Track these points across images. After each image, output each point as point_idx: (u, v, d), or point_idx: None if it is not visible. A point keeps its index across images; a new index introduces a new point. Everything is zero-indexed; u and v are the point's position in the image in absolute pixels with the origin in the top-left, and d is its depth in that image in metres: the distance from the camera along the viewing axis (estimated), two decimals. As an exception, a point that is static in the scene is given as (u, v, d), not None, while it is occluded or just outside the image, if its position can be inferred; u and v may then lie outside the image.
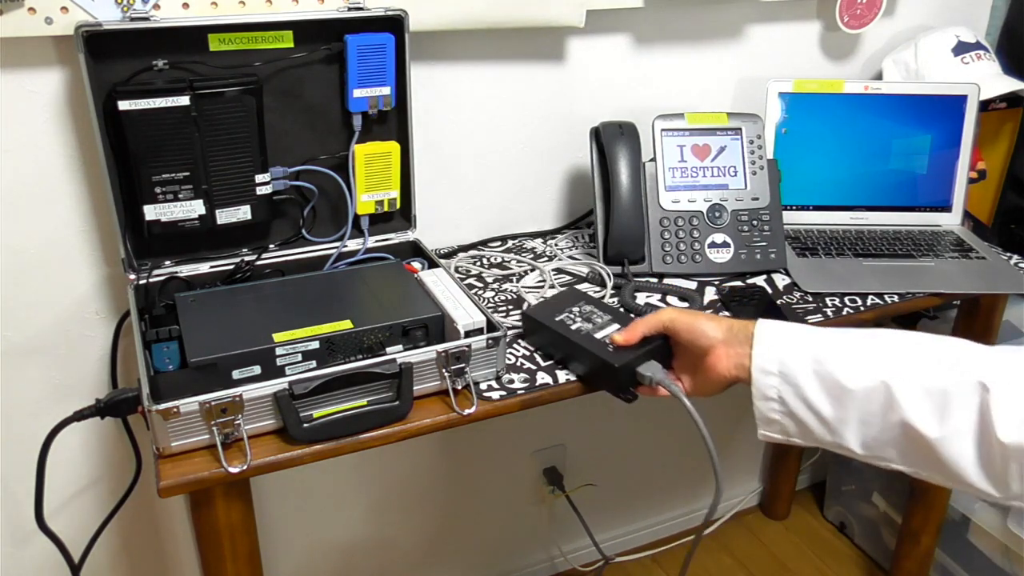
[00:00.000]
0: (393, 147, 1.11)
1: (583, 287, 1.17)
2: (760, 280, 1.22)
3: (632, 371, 0.91)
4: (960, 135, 1.38)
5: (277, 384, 0.83)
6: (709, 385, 0.88)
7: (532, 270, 1.22)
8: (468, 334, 0.93)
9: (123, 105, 0.94)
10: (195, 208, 1.02)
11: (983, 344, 0.75)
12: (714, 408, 1.80)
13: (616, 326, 0.96)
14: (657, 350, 0.92)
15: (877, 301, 1.16)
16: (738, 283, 1.21)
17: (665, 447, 1.78)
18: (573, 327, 0.97)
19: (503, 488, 1.63)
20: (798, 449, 1.88)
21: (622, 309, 1.11)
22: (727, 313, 1.12)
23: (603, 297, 1.14)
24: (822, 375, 0.77)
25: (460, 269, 1.22)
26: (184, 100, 0.96)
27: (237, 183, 1.03)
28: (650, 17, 1.32)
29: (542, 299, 1.13)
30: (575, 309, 1.00)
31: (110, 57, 0.94)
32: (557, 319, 0.99)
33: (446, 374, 0.91)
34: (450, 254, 1.27)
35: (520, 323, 1.05)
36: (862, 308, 1.15)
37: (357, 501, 1.48)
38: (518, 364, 0.99)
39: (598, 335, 0.95)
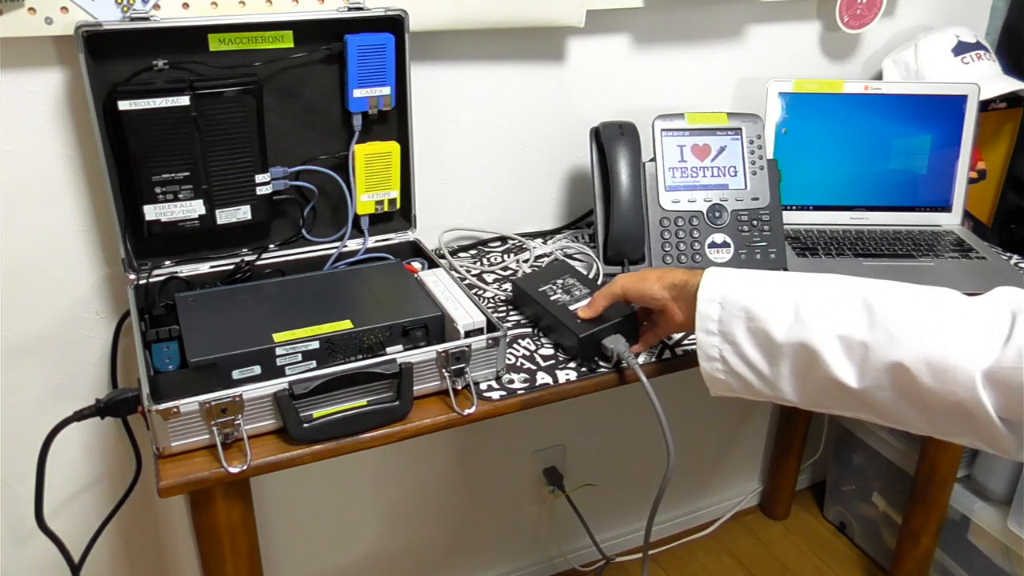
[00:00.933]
0: (393, 147, 1.11)
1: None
2: (760, 280, 1.22)
3: (597, 343, 0.96)
4: (960, 135, 1.38)
5: (277, 384, 0.83)
6: (679, 330, 0.94)
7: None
8: (468, 334, 0.93)
9: (123, 105, 0.94)
10: (195, 208, 1.02)
11: (907, 285, 0.75)
12: (715, 409, 1.80)
13: (591, 300, 1.00)
14: (625, 322, 0.97)
15: (877, 301, 1.16)
16: (738, 283, 1.21)
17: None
18: (552, 298, 1.03)
19: (503, 488, 1.63)
20: (798, 449, 1.88)
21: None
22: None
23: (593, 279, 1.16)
24: (754, 332, 0.78)
25: (460, 269, 1.22)
26: (184, 100, 0.96)
27: (237, 183, 1.03)
28: (650, 17, 1.32)
29: (533, 271, 1.20)
30: (559, 281, 1.06)
31: (110, 57, 0.94)
32: (540, 290, 1.05)
33: (446, 374, 0.91)
34: (450, 254, 1.27)
35: (512, 292, 1.11)
36: (862, 308, 1.14)
37: (356, 500, 1.48)
38: (518, 364, 0.99)
39: (572, 307, 1.00)
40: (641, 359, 1.00)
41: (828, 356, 0.74)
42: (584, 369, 0.98)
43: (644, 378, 0.92)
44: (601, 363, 0.98)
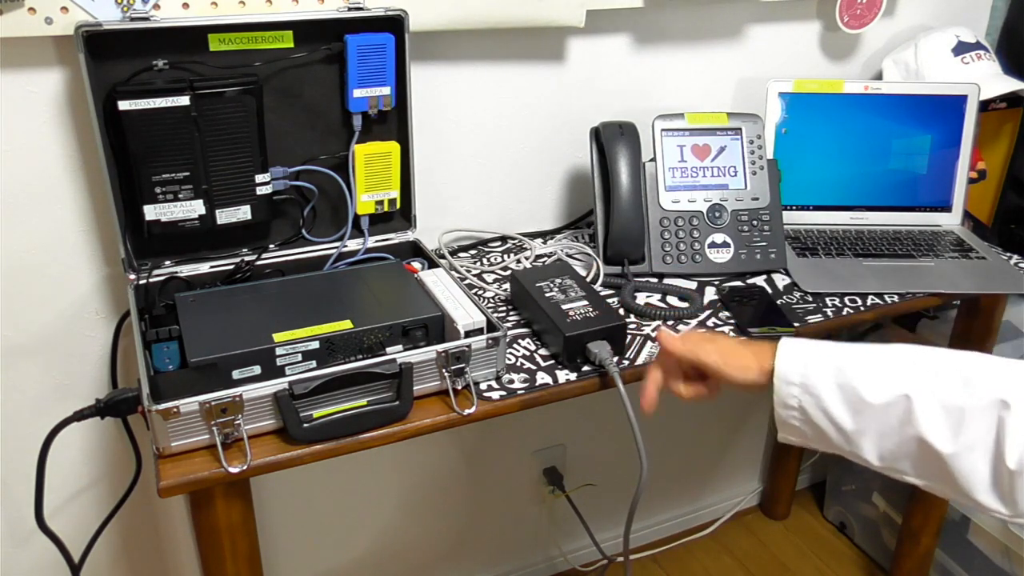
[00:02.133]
0: (393, 147, 1.11)
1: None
2: (760, 280, 1.22)
3: (583, 345, 0.96)
4: (960, 135, 1.38)
5: (277, 384, 0.83)
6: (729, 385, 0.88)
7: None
8: (468, 334, 0.93)
9: (123, 105, 0.94)
10: (195, 208, 1.02)
11: (997, 357, 0.75)
12: (715, 409, 1.80)
13: (586, 303, 1.01)
14: (614, 329, 0.98)
15: (877, 301, 1.16)
16: (738, 283, 1.21)
17: (665, 448, 1.78)
18: (547, 294, 1.03)
19: (503, 488, 1.63)
20: (798, 449, 1.87)
21: (621, 310, 1.11)
22: (727, 313, 1.12)
23: (592, 282, 1.17)
24: (844, 387, 0.78)
25: (460, 269, 1.22)
26: (184, 100, 0.96)
27: (237, 183, 1.03)
28: (650, 17, 1.32)
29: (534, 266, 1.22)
30: (557, 280, 1.07)
31: (110, 57, 0.94)
32: (537, 285, 1.06)
33: (446, 374, 0.91)
34: (450, 254, 1.27)
35: (510, 284, 1.13)
36: (862, 308, 1.15)
37: (356, 500, 1.48)
38: (518, 364, 0.99)
39: (564, 306, 1.00)
40: (641, 359, 1.01)
41: (923, 417, 0.74)
42: (567, 370, 0.98)
43: (622, 388, 0.92)
44: (584, 366, 0.98)
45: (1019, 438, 0.69)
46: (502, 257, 1.27)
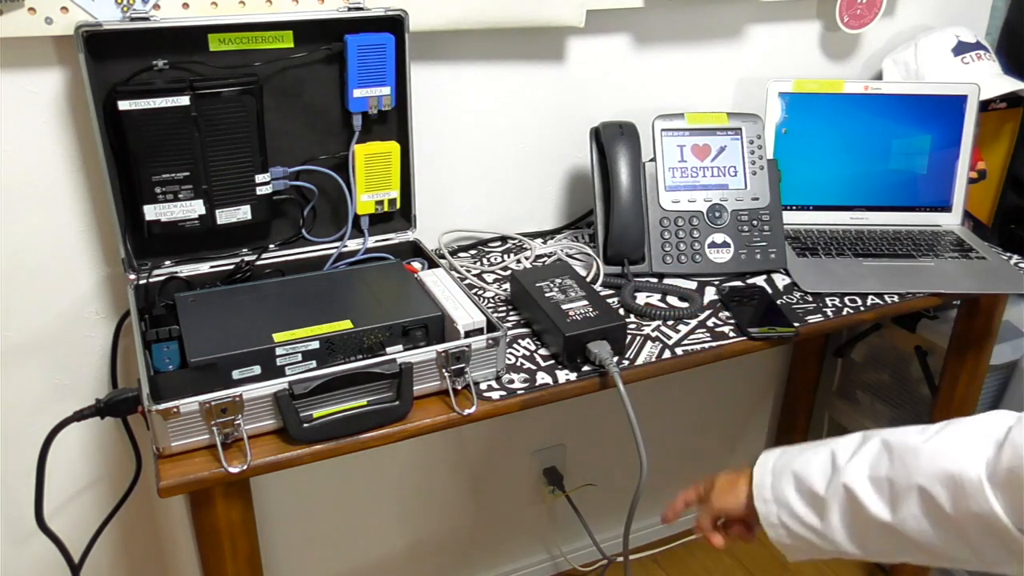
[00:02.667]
0: (393, 147, 1.11)
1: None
2: (760, 280, 1.22)
3: (583, 345, 0.96)
4: (960, 135, 1.38)
5: (277, 384, 0.83)
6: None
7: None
8: (468, 334, 0.93)
9: (123, 105, 0.94)
10: (195, 208, 1.02)
11: (921, 428, 0.78)
12: (715, 409, 1.80)
13: (586, 303, 1.01)
14: (613, 329, 0.98)
15: (877, 301, 1.16)
16: (738, 283, 1.21)
17: (665, 447, 1.78)
18: (547, 294, 1.04)
19: (503, 488, 1.63)
20: (798, 449, 1.87)
21: (621, 310, 1.11)
22: (727, 313, 1.12)
23: (592, 282, 1.17)
24: (801, 491, 0.81)
25: (460, 269, 1.22)
26: (184, 100, 0.96)
27: (237, 183, 1.03)
28: (650, 17, 1.32)
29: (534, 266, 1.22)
30: (557, 280, 1.07)
31: (110, 57, 0.94)
32: (537, 285, 1.06)
33: (446, 374, 0.91)
34: (450, 254, 1.27)
35: (510, 284, 1.13)
36: (862, 308, 1.15)
37: (356, 500, 1.48)
38: (518, 364, 0.99)
39: (564, 306, 1.00)
40: (641, 359, 1.01)
41: (864, 497, 0.77)
42: (567, 369, 0.98)
43: (622, 388, 0.92)
44: (584, 366, 0.98)
45: (952, 510, 0.71)
46: (502, 257, 1.27)
